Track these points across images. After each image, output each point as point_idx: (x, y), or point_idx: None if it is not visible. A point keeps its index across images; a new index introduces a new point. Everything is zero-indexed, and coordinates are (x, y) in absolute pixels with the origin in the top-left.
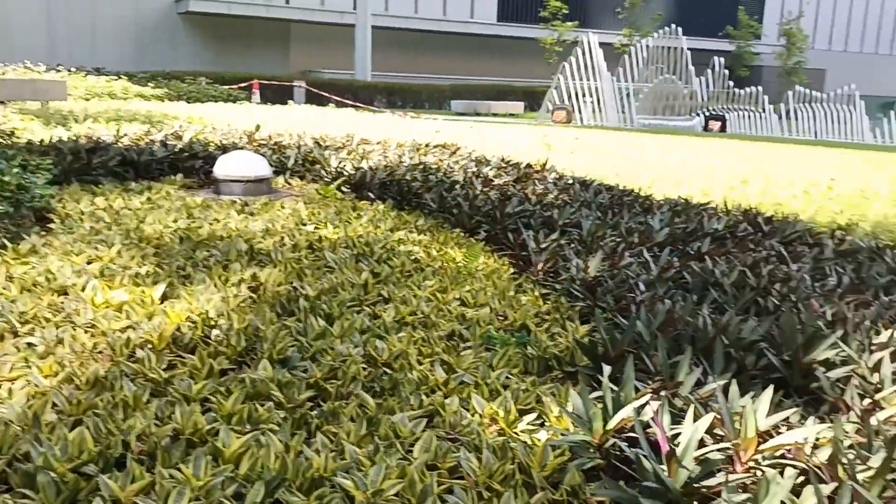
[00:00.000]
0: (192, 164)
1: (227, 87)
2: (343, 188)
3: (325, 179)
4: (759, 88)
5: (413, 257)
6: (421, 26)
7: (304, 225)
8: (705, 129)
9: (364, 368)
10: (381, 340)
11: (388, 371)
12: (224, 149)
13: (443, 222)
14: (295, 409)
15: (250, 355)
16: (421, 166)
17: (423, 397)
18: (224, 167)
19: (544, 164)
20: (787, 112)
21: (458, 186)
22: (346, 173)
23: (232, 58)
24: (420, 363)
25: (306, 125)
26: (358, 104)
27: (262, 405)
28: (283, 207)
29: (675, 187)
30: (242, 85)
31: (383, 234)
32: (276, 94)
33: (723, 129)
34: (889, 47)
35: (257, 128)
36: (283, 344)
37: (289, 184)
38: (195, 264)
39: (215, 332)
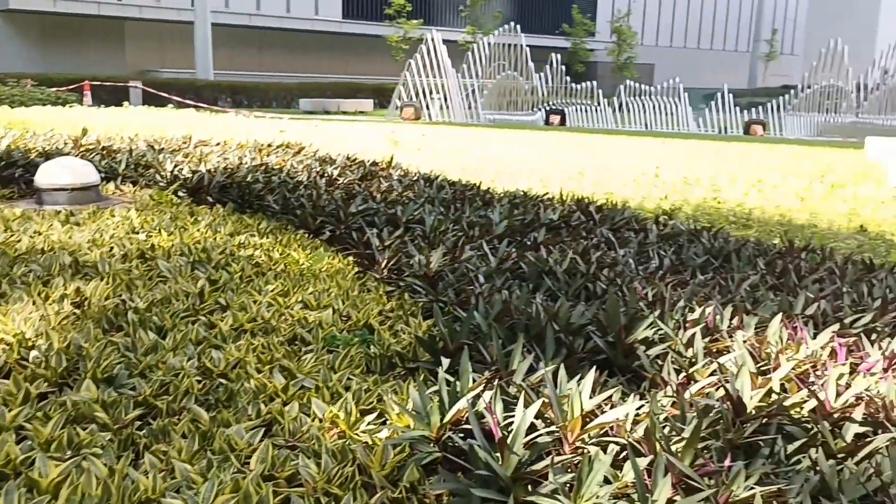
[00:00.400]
0: (11, 174)
1: (55, 89)
2: (179, 193)
3: (160, 184)
4: (595, 83)
5: (254, 261)
6: (264, 23)
7: (136, 233)
8: (546, 122)
9: (198, 381)
10: (218, 350)
11: (224, 382)
12: (47, 155)
13: (286, 224)
14: (121, 429)
15: (73, 376)
16: (263, 167)
17: (262, 406)
18: (46, 175)
19: (390, 162)
20: (620, 105)
21: (302, 187)
22: (182, 177)
23: (62, 58)
24: (259, 371)
25: (141, 127)
26: (200, 104)
27: (85, 428)
28: (112, 216)
29: (516, 180)
30: (72, 87)
31: (223, 238)
32: (111, 96)
33: (562, 122)
34: (710, 43)
35: (84, 132)
36: (109, 361)
37: (120, 190)
38: (12, 281)
39: (34, 353)
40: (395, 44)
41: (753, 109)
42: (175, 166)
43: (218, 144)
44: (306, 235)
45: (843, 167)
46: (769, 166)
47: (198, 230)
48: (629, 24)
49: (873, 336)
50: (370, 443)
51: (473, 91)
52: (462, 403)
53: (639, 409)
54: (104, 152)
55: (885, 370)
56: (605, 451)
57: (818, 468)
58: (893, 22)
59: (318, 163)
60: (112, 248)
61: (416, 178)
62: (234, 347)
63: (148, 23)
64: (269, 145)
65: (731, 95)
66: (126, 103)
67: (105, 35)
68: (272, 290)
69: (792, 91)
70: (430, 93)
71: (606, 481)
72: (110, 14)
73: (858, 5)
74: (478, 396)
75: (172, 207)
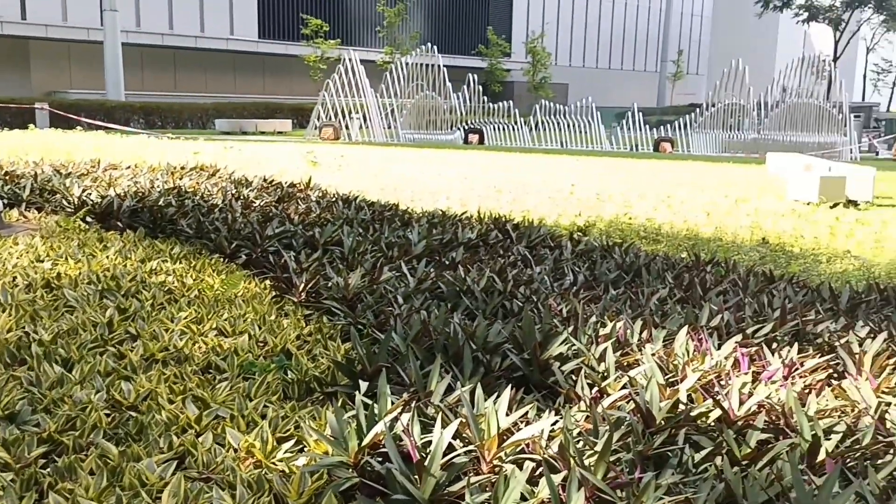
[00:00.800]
0: None
1: None
2: (87, 219)
3: (67, 210)
4: (511, 102)
5: (166, 288)
6: (177, 43)
7: (41, 261)
8: (465, 141)
9: (107, 414)
10: (128, 382)
11: (134, 414)
12: None
13: (201, 248)
14: (24, 469)
15: None
16: (176, 190)
17: (174, 438)
18: None
19: (308, 183)
20: (536, 124)
21: (216, 210)
22: (90, 202)
23: None
24: (171, 402)
25: (47, 151)
26: (111, 126)
27: None
28: (16, 243)
29: (436, 199)
30: None
31: (133, 265)
32: (16, 118)
33: (481, 141)
34: (620, 63)
35: None
36: (11, 397)
37: (24, 217)
38: None
39: None
40: (313, 63)
41: (662, 127)
42: (83, 191)
43: (129, 168)
44: (221, 260)
45: (746, 182)
46: (677, 182)
47: (107, 257)
48: (543, 45)
49: (774, 345)
50: (287, 471)
51: (393, 111)
52: (379, 427)
53: (554, 424)
54: (7, 177)
55: (785, 378)
56: (521, 468)
57: (724, 476)
58: (792, 42)
59: (234, 185)
60: (15, 278)
61: (334, 199)
62: (145, 378)
63: (54, 42)
64: (183, 168)
65: (640, 114)
66: (31, 126)
67: (8, 55)
68: (185, 318)
69: (698, 109)
70: (350, 113)
71: (523, 498)
72: (13, 33)
73: (758, 26)
74: (396, 419)
75: (80, 234)
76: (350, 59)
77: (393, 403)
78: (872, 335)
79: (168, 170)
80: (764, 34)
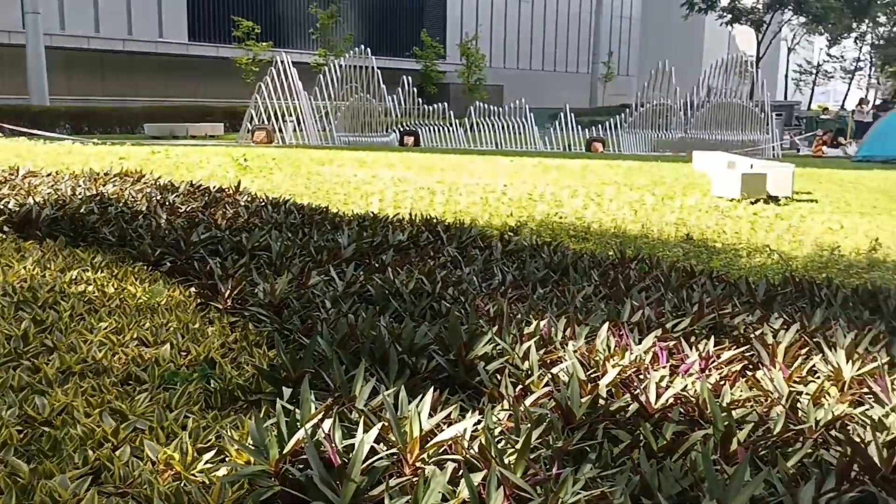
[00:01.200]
0: None
1: None
2: (5, 228)
3: None
4: (446, 104)
5: (86, 298)
6: (104, 46)
7: None
8: (401, 143)
9: (19, 431)
10: (42, 396)
11: (48, 430)
12: None
13: (124, 256)
14: None
15: None
16: (98, 197)
17: (90, 452)
18: None
19: (237, 188)
20: (472, 125)
21: (140, 217)
22: (7, 211)
23: None
24: (88, 415)
25: None
26: (35, 132)
27: None
28: None
29: (369, 201)
30: None
31: (52, 275)
32: None
33: (416, 143)
34: (553, 65)
35: None
36: None
37: None
38: None
39: None
40: (245, 66)
41: (594, 127)
42: (0, 200)
43: (49, 175)
44: (145, 268)
45: (673, 180)
46: (607, 181)
47: (24, 267)
48: (477, 47)
49: (692, 338)
50: (207, 482)
51: (327, 113)
52: (300, 434)
53: (477, 424)
54: None
55: (702, 370)
56: (443, 469)
57: (640, 468)
58: (717, 43)
59: (160, 191)
60: None
61: (263, 203)
62: (61, 392)
63: None
64: (106, 174)
65: (573, 115)
66: None
67: None
68: (105, 328)
69: (627, 110)
70: (283, 116)
71: (444, 499)
72: None
73: (685, 28)
74: (318, 425)
75: None
76: (282, 62)
77: (316, 409)
78: (786, 326)
79: (91, 176)
80: (690, 36)
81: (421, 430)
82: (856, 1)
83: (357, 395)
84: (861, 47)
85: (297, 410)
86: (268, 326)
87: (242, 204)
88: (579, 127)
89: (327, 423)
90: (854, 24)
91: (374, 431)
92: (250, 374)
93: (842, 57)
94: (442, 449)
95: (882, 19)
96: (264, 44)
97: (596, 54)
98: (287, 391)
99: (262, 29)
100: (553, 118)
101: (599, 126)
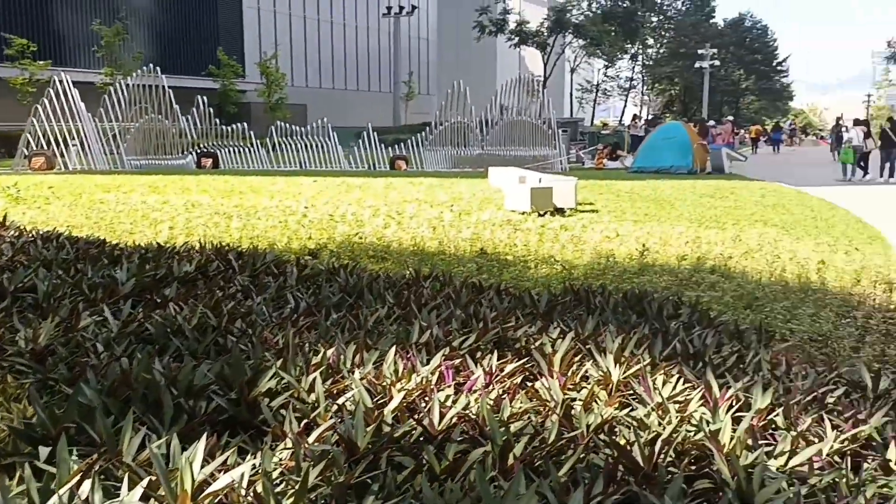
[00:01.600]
0: None
1: None
2: None
3: None
4: (245, 124)
5: None
6: None
7: None
8: (198, 166)
9: None
10: None
11: None
12: None
13: None
14: None
15: None
16: None
17: None
18: None
19: (2, 221)
20: (274, 145)
21: None
22: None
23: None
24: None
25: None
26: None
27: None
28: None
29: (158, 228)
30: None
31: None
32: None
33: (215, 165)
34: (356, 84)
35: None
36: None
37: None
38: None
39: None
40: (21, 87)
41: (398, 146)
42: None
43: None
44: None
45: (471, 195)
46: (409, 198)
47: None
48: (277, 65)
49: (478, 354)
50: None
51: (115, 136)
52: (54, 501)
53: (258, 467)
54: None
55: (487, 385)
56: None
57: (422, 493)
58: (509, 64)
59: None
60: None
61: (32, 238)
62: None
63: None
64: None
65: (376, 133)
66: None
67: None
68: None
69: (428, 128)
70: (65, 139)
71: None
72: None
73: (479, 49)
74: (77, 486)
75: None
76: (61, 81)
77: (76, 469)
78: (563, 335)
79: None
80: (484, 56)
81: (193, 481)
82: (628, 25)
83: (124, 450)
84: (634, 67)
85: (51, 473)
86: (30, 378)
87: (8, 240)
88: (383, 145)
89: (86, 485)
90: (628, 46)
91: (139, 489)
92: (6, 433)
93: (618, 76)
94: (217, 499)
95: (650, 41)
96: (42, 63)
97: (397, 73)
98: (46, 450)
99: (38, 47)
100: (357, 137)
101: (403, 144)
